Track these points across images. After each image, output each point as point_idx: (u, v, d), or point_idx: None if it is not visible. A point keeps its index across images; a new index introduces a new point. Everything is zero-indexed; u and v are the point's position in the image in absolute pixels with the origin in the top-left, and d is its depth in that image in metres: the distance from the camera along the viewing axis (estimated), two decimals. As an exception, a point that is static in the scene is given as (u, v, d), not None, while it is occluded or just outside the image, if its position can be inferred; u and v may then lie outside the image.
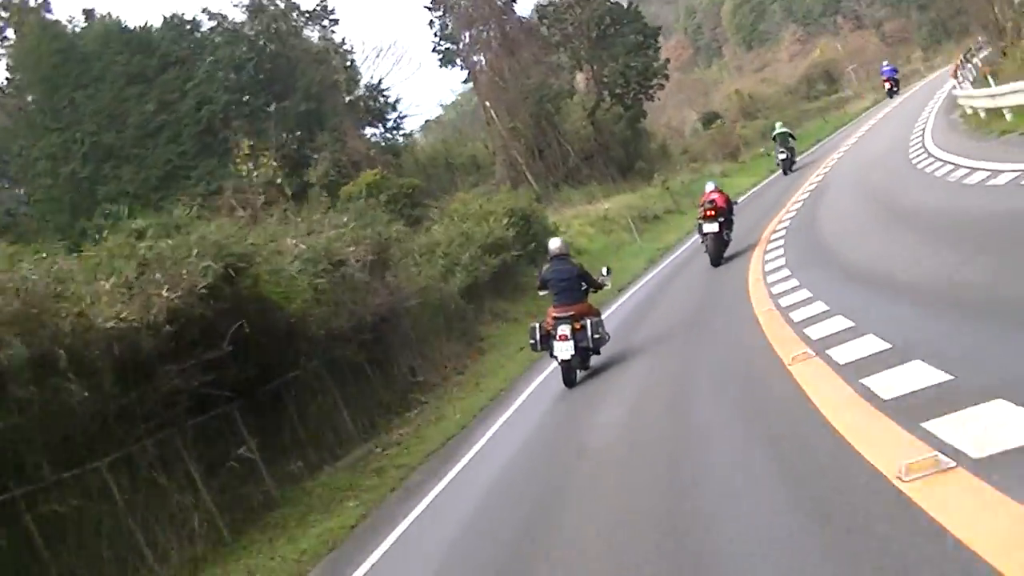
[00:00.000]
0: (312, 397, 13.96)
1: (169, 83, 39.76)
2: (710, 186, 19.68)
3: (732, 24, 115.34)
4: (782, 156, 33.47)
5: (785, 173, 33.26)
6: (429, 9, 47.63)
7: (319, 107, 43.16)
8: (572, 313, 12.57)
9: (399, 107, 48.12)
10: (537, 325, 12.93)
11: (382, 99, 48.59)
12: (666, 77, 48.69)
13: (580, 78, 50.72)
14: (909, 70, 60.60)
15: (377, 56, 59.79)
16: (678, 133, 54.49)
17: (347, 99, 47.64)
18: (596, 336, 12.50)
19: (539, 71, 46.56)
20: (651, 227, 32.18)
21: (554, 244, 13.75)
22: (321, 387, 14.24)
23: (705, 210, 18.55)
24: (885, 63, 51.27)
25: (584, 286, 13.17)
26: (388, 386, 16.23)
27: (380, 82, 48.25)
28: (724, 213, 18.50)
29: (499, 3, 46.54)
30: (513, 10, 47.05)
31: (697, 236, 20.29)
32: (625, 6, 47.92)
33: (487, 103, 46.98)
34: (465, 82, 48.08)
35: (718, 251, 18.37)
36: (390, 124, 48.79)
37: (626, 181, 43.49)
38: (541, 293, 13.54)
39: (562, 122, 47.56)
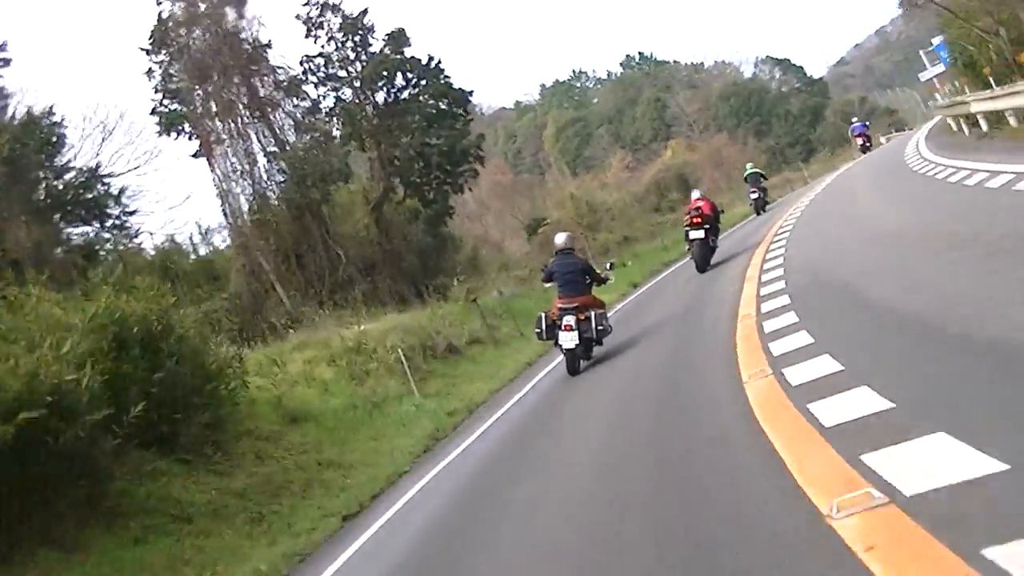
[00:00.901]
0: None
1: None
2: (696, 194, 19.92)
3: (555, 149, 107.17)
4: (754, 196, 32.32)
5: (758, 213, 32.01)
6: (147, 52, 33.14)
7: None
8: (577, 304, 12.89)
9: (135, 198, 32.50)
10: (543, 315, 13.28)
11: (101, 187, 33.24)
12: (480, 160, 35.36)
13: (363, 159, 36.70)
14: (781, 179, 50.97)
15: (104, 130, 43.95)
16: (494, 246, 41.11)
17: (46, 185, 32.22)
18: (600, 327, 12.93)
19: (302, 145, 32.65)
20: (444, 370, 17.76)
21: (559, 239, 14.04)
22: None
23: (691, 217, 18.63)
24: (855, 119, 49.20)
25: (588, 279, 13.48)
26: None
27: (98, 166, 32.56)
28: (710, 220, 18.61)
29: (246, 47, 32.50)
30: (266, 58, 32.87)
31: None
32: (425, 61, 34.72)
33: (226, 187, 32.46)
34: (196, 156, 33.05)
35: (704, 257, 18.48)
36: (111, 222, 33.42)
37: (423, 301, 29.61)
38: (547, 285, 14.32)
39: (335, 218, 33.49)
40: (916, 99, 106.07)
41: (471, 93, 34.36)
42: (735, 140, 76.12)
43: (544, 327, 13.15)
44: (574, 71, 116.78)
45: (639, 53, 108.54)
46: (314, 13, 34.21)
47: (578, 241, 33.52)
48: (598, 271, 14.07)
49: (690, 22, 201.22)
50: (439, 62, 34.40)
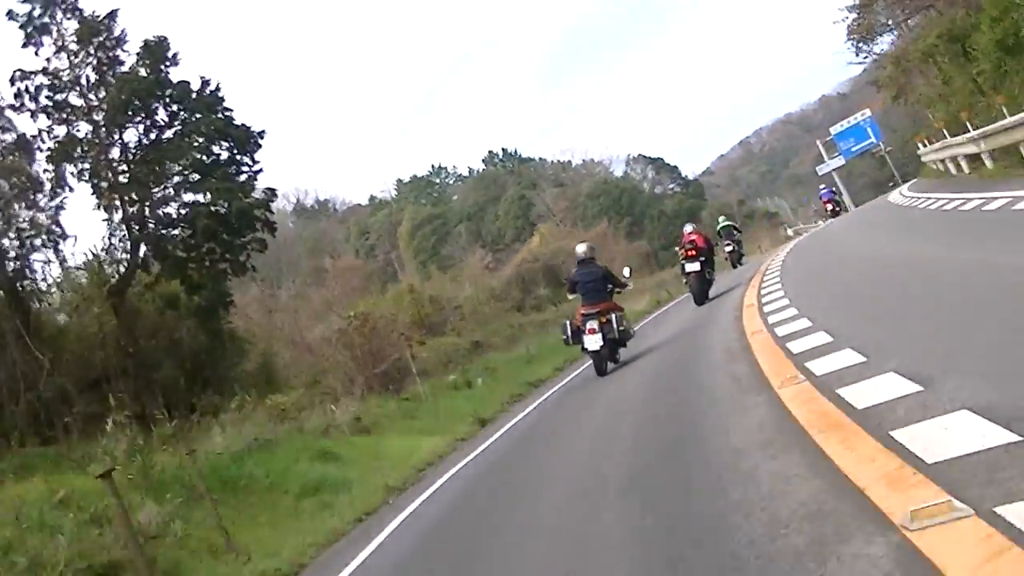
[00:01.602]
0: None
1: None
2: (688, 228, 20.19)
3: (411, 247, 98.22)
4: (728, 249, 30.22)
5: (734, 267, 29.87)
6: None
7: None
8: (599, 310, 13.71)
9: None
10: (568, 322, 14.12)
11: None
12: (271, 228, 24.82)
13: (100, 219, 25.54)
14: (654, 281, 42.68)
15: None
16: (305, 349, 30.17)
17: None
18: (621, 328, 13.83)
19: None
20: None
21: (580, 249, 14.83)
22: None
23: (686, 250, 18.76)
24: (822, 187, 48.64)
25: (610, 286, 14.38)
26: None
27: None
28: (705, 252, 18.81)
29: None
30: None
31: None
32: (197, 86, 24.27)
33: None
34: None
35: (702, 290, 18.54)
36: None
37: (183, 426, 18.64)
38: (571, 296, 15.07)
39: (43, 306, 22.40)
40: (786, 207, 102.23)
41: (262, 134, 24.13)
42: (605, 241, 68.80)
43: (570, 333, 13.93)
44: (433, 166, 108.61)
45: (503, 149, 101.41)
46: (37, 12, 23.61)
47: (403, 350, 23.56)
48: (619, 278, 14.91)
49: (557, 120, 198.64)
50: (217, 89, 24.02)
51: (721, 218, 33.51)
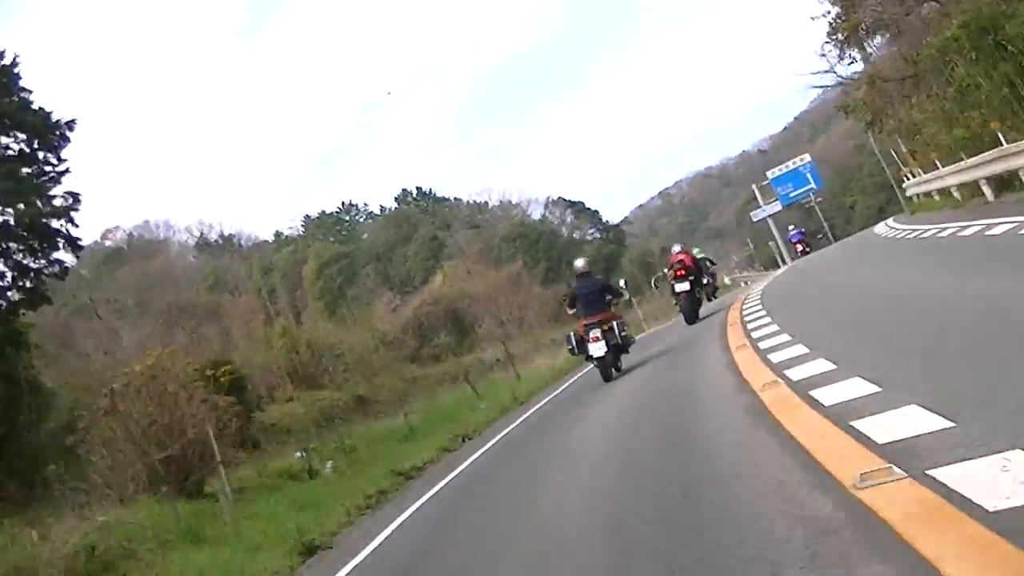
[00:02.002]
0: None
1: None
2: (676, 248, 20.54)
3: (315, 287, 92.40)
4: (703, 281, 26.77)
5: (709, 299, 27.51)
6: None
7: None
8: (600, 319, 14.24)
9: None
10: (572, 333, 14.79)
11: None
12: (74, 247, 19.05)
13: None
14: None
15: None
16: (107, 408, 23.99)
17: None
18: (623, 334, 14.57)
19: None
20: None
21: (579, 263, 15.41)
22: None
23: (675, 270, 18.86)
24: (791, 227, 48.33)
25: (608, 297, 14.91)
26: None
27: None
28: (694, 272, 19.02)
29: None
30: None
31: None
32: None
33: None
34: None
35: (692, 309, 18.67)
36: None
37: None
38: (571, 311, 15.23)
39: None
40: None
41: (71, 124, 18.41)
42: (519, 287, 64.14)
43: (575, 343, 14.48)
44: (344, 203, 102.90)
45: (416, 188, 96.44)
46: None
47: (204, 423, 17.47)
48: (616, 288, 15.72)
49: (476, 161, 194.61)
50: (13, 64, 18.33)
51: (695, 249, 32.12)
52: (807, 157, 55.02)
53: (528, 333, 36.25)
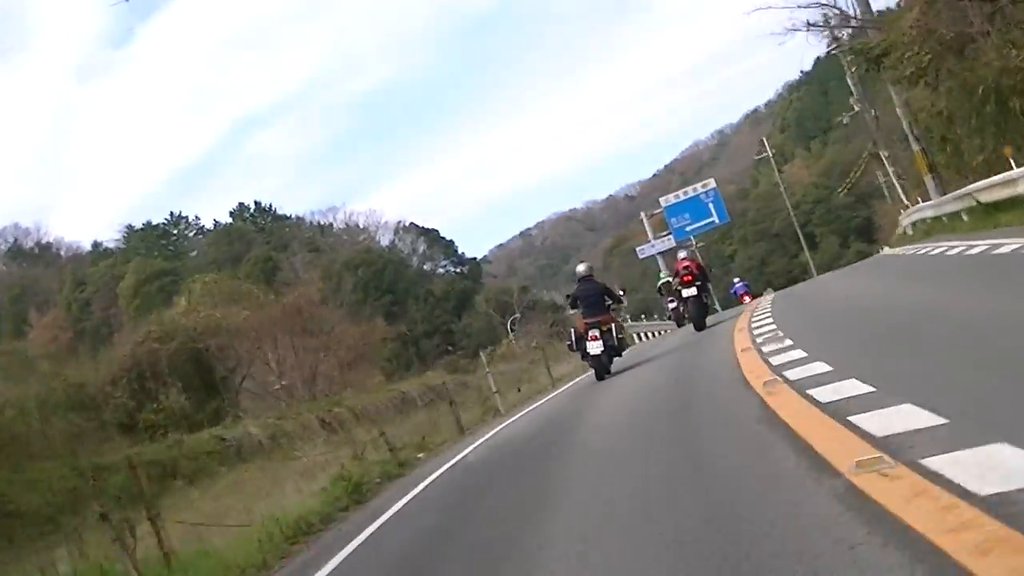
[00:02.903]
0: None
1: None
2: (682, 254, 20.03)
3: (132, 305, 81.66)
4: (672, 306, 28.19)
5: (679, 325, 27.28)
6: None
7: None
8: (600, 319, 14.98)
9: None
10: (572, 330, 15.66)
11: None
12: None
13: None
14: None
15: None
16: None
17: None
18: (620, 336, 15.48)
19: None
20: None
21: (581, 268, 16.05)
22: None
23: (682, 276, 18.73)
24: (737, 280, 45.86)
25: (608, 300, 15.48)
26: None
27: None
28: (701, 277, 18.82)
29: None
30: None
31: None
32: None
33: None
34: None
35: (701, 314, 18.45)
36: None
37: None
38: (571, 312, 16.83)
39: None
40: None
41: None
42: (359, 319, 55.63)
43: (574, 339, 15.27)
44: (172, 214, 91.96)
45: (255, 203, 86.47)
46: None
47: None
48: (616, 293, 16.25)
49: (330, 185, 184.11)
50: None
51: (662, 273, 33.10)
52: (712, 183, 46.97)
53: (334, 393, 27.14)
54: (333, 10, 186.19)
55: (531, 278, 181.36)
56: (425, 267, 73.89)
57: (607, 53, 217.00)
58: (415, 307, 66.02)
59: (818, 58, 44.63)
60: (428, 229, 75.42)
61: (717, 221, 46.87)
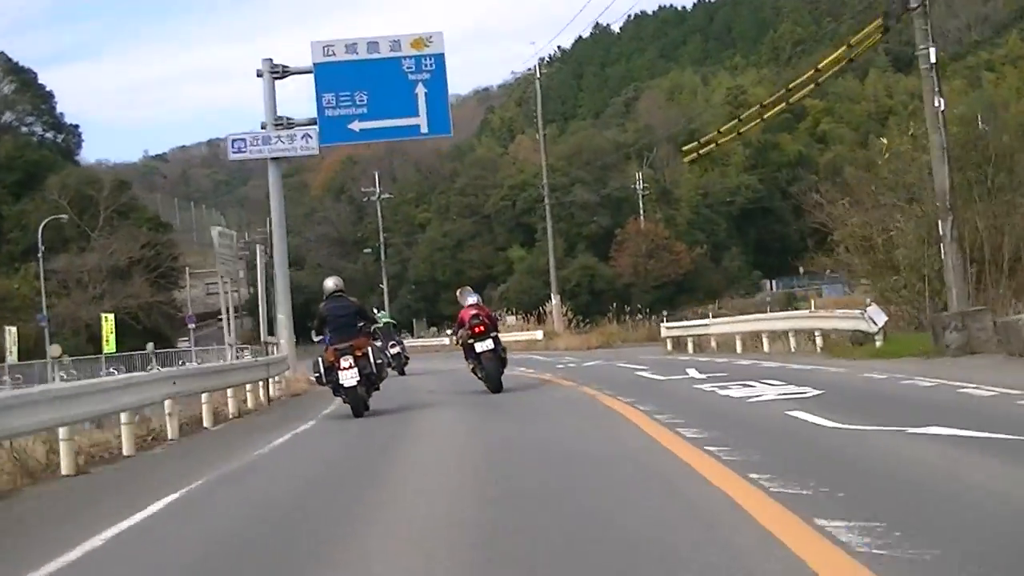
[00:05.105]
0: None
1: None
2: (471, 299, 16.78)
3: None
4: (394, 351, 24.19)
5: (401, 373, 24.06)
6: None
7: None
8: (352, 343, 13.02)
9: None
10: (320, 359, 13.28)
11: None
12: None
13: None
14: None
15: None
16: None
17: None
18: (379, 362, 13.36)
19: None
20: None
21: (330, 283, 14.09)
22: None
23: (473, 326, 15.91)
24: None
25: (362, 323, 13.75)
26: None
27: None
28: (492, 328, 16.29)
29: None
30: None
31: None
32: None
33: None
34: None
35: (498, 371, 15.85)
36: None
37: None
38: (316, 339, 13.89)
39: None
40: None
41: None
42: None
43: (323, 370, 13.18)
44: None
45: None
46: None
47: None
48: (370, 314, 15.45)
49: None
50: None
51: (381, 313, 25.28)
52: (438, 38, 26.15)
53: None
54: None
55: (204, 192, 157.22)
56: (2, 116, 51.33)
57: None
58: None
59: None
60: (23, 68, 52.78)
61: (426, 129, 25.86)
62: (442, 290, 65.43)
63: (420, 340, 53.33)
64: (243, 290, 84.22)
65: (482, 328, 15.72)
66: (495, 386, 15.47)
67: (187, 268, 59.05)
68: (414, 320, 63.92)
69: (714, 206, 74.79)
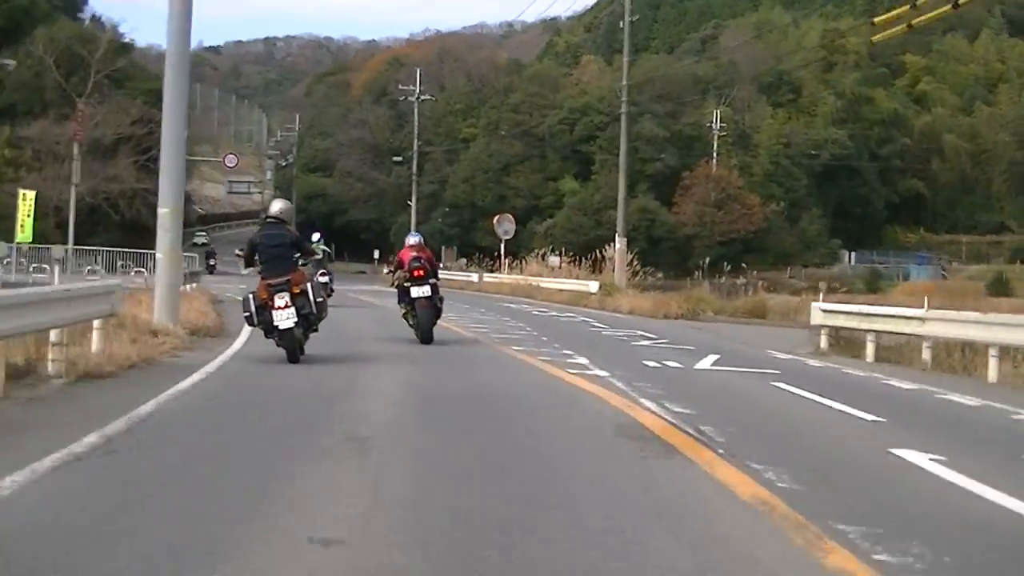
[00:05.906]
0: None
1: None
2: (412, 239, 15.79)
3: None
4: (323, 280, 21.00)
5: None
6: None
7: None
8: (287, 279, 11.49)
9: None
10: (250, 296, 11.69)
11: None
12: None
13: None
14: None
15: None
16: None
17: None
18: (319, 300, 11.83)
19: None
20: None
21: (275, 206, 13.00)
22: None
23: (413, 269, 14.96)
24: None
25: (298, 254, 12.21)
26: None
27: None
28: (433, 273, 15.36)
29: None
30: None
31: None
32: None
33: None
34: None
35: (430, 322, 14.98)
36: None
37: None
38: (245, 271, 13.33)
39: None
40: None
41: None
42: None
43: (253, 309, 11.59)
44: None
45: None
46: None
47: None
48: (309, 246, 13.95)
49: None
50: None
51: (316, 235, 24.55)
52: None
53: None
54: None
55: (254, 88, 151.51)
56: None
57: None
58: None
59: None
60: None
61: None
62: (480, 217, 58.70)
63: (446, 273, 46.21)
64: (267, 192, 78.15)
65: (422, 272, 15.08)
66: (426, 336, 14.92)
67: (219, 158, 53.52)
68: (443, 248, 57.07)
69: (795, 158, 66.61)
